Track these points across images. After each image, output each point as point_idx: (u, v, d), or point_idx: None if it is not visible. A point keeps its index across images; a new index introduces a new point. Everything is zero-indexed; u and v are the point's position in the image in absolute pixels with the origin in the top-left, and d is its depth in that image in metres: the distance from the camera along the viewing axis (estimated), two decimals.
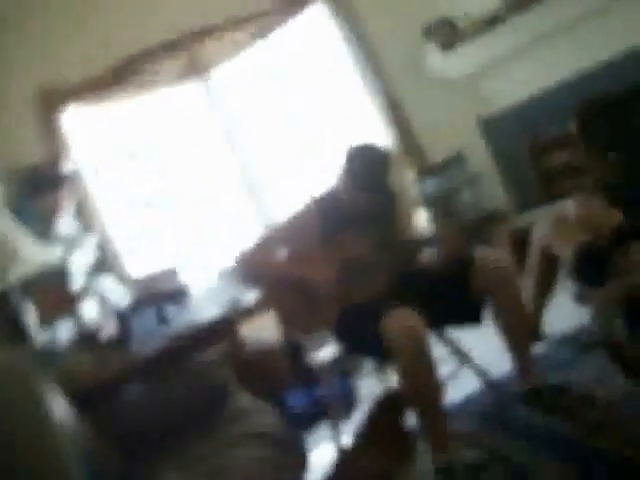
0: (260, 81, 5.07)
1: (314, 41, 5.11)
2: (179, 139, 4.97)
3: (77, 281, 4.01)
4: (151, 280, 4.25)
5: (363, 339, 2.74)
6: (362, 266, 2.85)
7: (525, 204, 4.68)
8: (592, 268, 3.12)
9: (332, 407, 3.28)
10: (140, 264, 4.63)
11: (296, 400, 3.62)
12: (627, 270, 2.82)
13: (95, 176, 4.74)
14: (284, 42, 5.05)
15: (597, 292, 2.89)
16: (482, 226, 4.29)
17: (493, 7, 4.62)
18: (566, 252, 3.20)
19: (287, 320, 3.03)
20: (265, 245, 2.97)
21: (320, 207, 2.96)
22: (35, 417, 1.51)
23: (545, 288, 3.36)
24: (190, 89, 4.98)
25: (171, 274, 4.22)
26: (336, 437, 3.15)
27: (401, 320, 2.50)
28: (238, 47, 4.96)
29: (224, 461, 2.11)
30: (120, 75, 4.73)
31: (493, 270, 2.76)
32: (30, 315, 3.62)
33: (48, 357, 3.54)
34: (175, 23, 4.76)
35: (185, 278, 4.27)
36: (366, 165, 2.91)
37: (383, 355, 2.65)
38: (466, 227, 4.46)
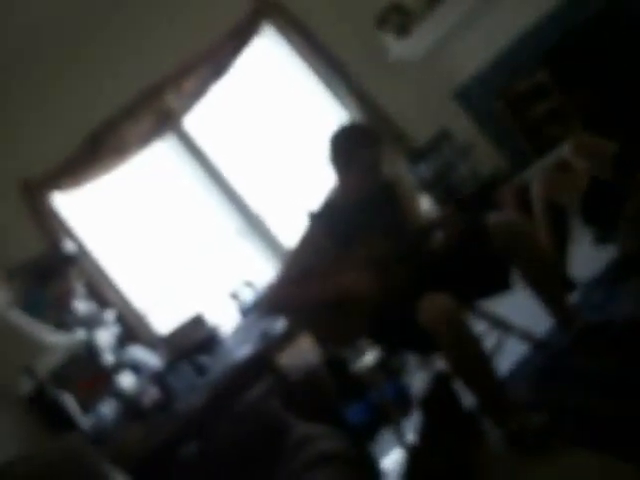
0: (232, 114, 5.06)
1: (273, 62, 5.11)
2: (168, 191, 4.96)
3: (107, 357, 3.99)
4: (179, 333, 4.22)
5: (401, 335, 2.71)
6: (383, 263, 2.82)
7: (520, 161, 4.66)
8: (601, 208, 3.11)
9: (389, 411, 3.26)
10: (166, 320, 4.60)
11: (353, 414, 3.58)
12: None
13: (99, 250, 4.73)
14: (245, 71, 5.04)
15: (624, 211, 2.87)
16: (485, 193, 4.28)
17: None
18: (570, 200, 3.19)
19: (323, 338, 3.01)
20: (288, 274, 2.93)
21: (323, 220, 2.94)
22: None
23: (560, 238, 3.34)
24: (165, 142, 4.97)
25: (197, 323, 4.19)
26: (401, 438, 3.11)
27: (434, 305, 2.48)
28: (200, 88, 4.95)
29: None
30: (94, 148, 4.73)
31: (507, 232, 2.74)
32: (70, 402, 3.60)
33: (99, 437, 3.53)
34: (134, 83, 4.77)
35: (212, 322, 4.25)
36: (349, 140, 2.91)
37: (425, 345, 2.62)
38: (468, 199, 4.46)
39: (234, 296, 4.47)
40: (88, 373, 3.85)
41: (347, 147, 2.90)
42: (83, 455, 1.56)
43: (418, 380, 3.38)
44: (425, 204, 4.45)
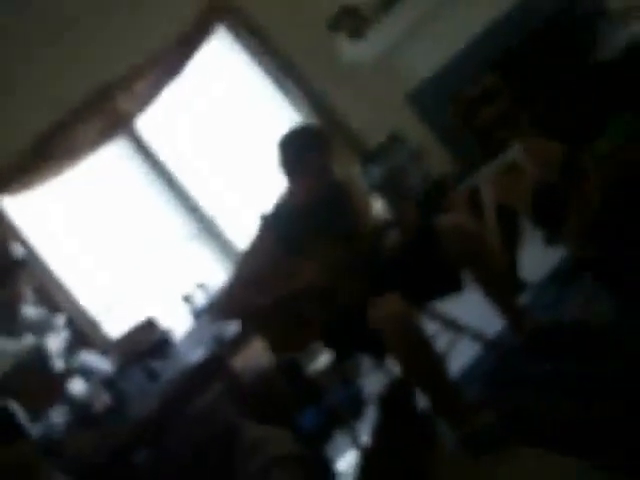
0: (185, 117, 5.03)
1: (226, 64, 5.09)
2: (121, 194, 4.91)
3: (57, 363, 3.93)
4: (131, 337, 4.18)
5: (353, 338, 2.72)
6: (335, 267, 2.82)
7: (472, 165, 4.70)
8: (550, 210, 3.16)
9: (343, 413, 3.26)
10: (118, 325, 4.55)
11: (306, 417, 3.59)
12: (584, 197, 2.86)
13: (49, 254, 4.65)
14: (198, 73, 5.02)
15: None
16: (435, 195, 4.32)
17: None
18: (519, 202, 3.24)
19: (277, 342, 3.00)
20: (239, 277, 2.92)
21: (273, 224, 2.93)
22: None
23: (510, 239, 3.39)
24: (117, 144, 4.92)
25: (148, 326, 4.16)
26: (355, 440, 3.12)
27: (385, 307, 2.48)
28: (151, 94, 4.91)
29: None
30: (44, 151, 4.66)
31: (458, 234, 2.76)
32: (18, 411, 3.53)
33: (51, 446, 3.47)
34: (84, 85, 4.70)
35: (164, 325, 4.22)
36: (298, 143, 2.91)
37: (376, 348, 2.63)
38: (420, 201, 4.49)
39: (187, 299, 4.44)
40: (37, 380, 3.79)
41: (296, 150, 2.90)
42: (32, 464, 1.53)
43: (372, 382, 3.38)
44: (376, 206, 4.47)
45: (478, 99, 4.52)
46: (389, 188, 4.65)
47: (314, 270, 2.77)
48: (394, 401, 2.90)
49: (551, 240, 3.41)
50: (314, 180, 2.90)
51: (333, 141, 3.03)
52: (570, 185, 3.04)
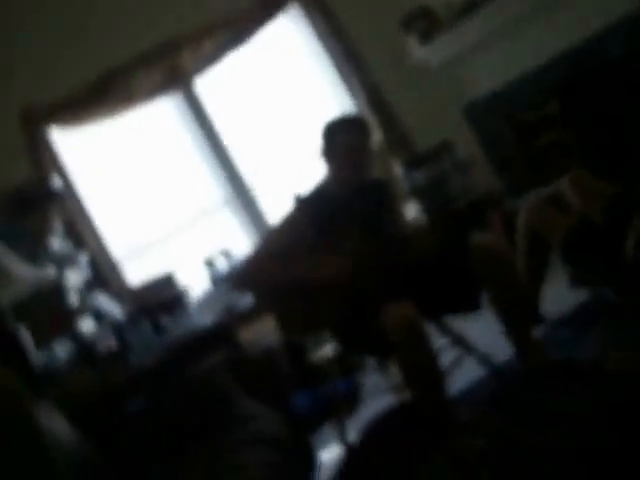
0: (242, 85, 5.05)
1: (293, 42, 5.10)
2: (166, 149, 4.95)
3: (72, 299, 3.98)
4: (147, 290, 4.23)
5: (363, 336, 2.72)
6: (362, 264, 2.82)
7: (516, 187, 4.67)
8: (584, 250, 3.12)
9: (337, 406, 3.27)
10: (139, 273, 4.60)
11: (300, 401, 3.60)
12: None
13: (85, 191, 4.70)
14: (263, 45, 5.03)
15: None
16: (475, 211, 4.29)
17: None
18: (554, 236, 3.20)
19: (287, 323, 3.01)
20: (265, 252, 2.93)
21: (309, 206, 2.94)
22: (25, 433, 1.49)
23: (537, 271, 3.35)
24: (172, 99, 4.96)
25: (167, 282, 4.20)
26: (343, 435, 3.13)
27: (398, 313, 2.49)
28: (215, 55, 4.93)
29: (231, 466, 2.09)
30: (101, 90, 4.70)
31: (488, 255, 2.75)
32: (26, 336, 3.60)
33: (49, 376, 3.52)
34: (153, 34, 4.74)
35: (182, 284, 4.25)
36: (336, 126, 2.91)
37: (383, 350, 2.63)
38: (459, 214, 4.47)
39: (209, 263, 4.48)
40: (50, 311, 3.84)
41: (339, 139, 2.90)
42: (16, 393, 1.55)
43: (372, 382, 3.38)
44: (412, 211, 4.45)
45: (538, 123, 4.47)
46: (429, 195, 4.63)
47: (341, 266, 2.77)
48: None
49: (576, 281, 3.38)
50: (352, 172, 2.90)
51: (371, 130, 3.00)
52: (613, 228, 2.99)
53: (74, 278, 4.13)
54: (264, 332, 3.47)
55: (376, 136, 4.71)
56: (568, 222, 3.18)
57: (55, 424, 2.28)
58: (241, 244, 4.77)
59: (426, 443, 2.63)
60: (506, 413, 2.72)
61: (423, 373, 2.50)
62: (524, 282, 3.21)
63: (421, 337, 2.48)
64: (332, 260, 2.77)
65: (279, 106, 5.08)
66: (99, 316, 4.05)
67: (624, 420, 2.21)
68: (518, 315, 2.86)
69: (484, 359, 3.00)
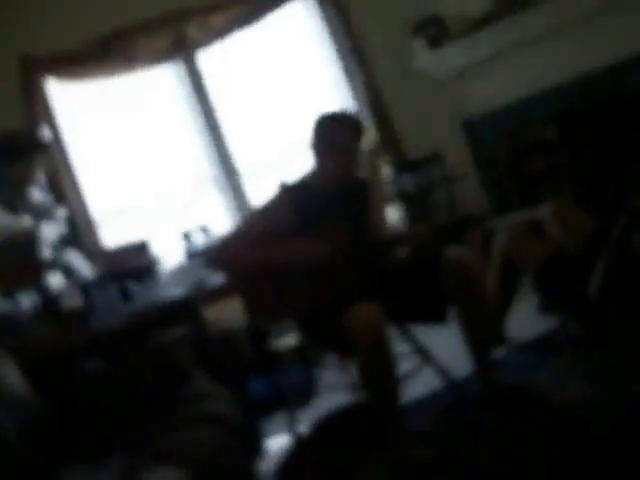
0: (244, 65, 5.04)
1: (301, 30, 5.10)
2: (159, 117, 4.93)
3: (44, 252, 3.96)
4: (119, 254, 4.21)
5: (326, 331, 2.74)
6: (334, 259, 2.83)
7: (501, 206, 4.70)
8: (554, 280, 3.16)
9: (291, 395, 3.29)
10: (114, 236, 4.58)
11: (256, 386, 3.62)
12: None
13: (73, 147, 4.67)
14: (272, 28, 5.02)
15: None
16: (456, 226, 4.31)
17: (484, 9, 4.61)
18: (528, 264, 3.23)
19: (254, 306, 3.02)
20: (243, 233, 2.95)
21: (293, 195, 2.94)
22: None
23: (506, 293, 3.39)
24: (173, 68, 4.94)
25: (141, 249, 4.18)
26: (292, 426, 3.15)
27: (363, 315, 2.51)
28: (222, 31, 4.92)
29: (175, 442, 2.10)
30: (103, 49, 4.67)
31: (459, 270, 2.77)
32: None
33: (9, 326, 3.51)
34: (164, 0, 4.71)
35: (156, 253, 4.24)
36: (330, 122, 2.92)
37: (345, 349, 2.65)
38: (439, 226, 4.49)
39: (186, 236, 4.47)
40: (20, 260, 3.82)
41: (330, 133, 2.91)
42: None
43: (329, 377, 3.40)
44: (394, 214, 4.47)
45: (534, 146, 4.50)
46: (414, 202, 4.65)
47: (318, 245, 2.77)
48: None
49: (544, 308, 3.41)
50: (339, 169, 2.91)
51: (363, 130, 3.00)
52: (588, 262, 3.02)
53: (49, 232, 4.10)
54: (230, 312, 3.47)
55: (371, 135, 4.74)
56: (544, 252, 3.21)
57: (6, 371, 2.28)
58: (221, 222, 4.76)
59: (372, 446, 2.66)
60: (451, 428, 2.76)
61: (379, 376, 2.52)
62: (492, 302, 3.25)
63: (382, 341, 2.50)
64: (306, 241, 2.77)
65: (278, 92, 5.07)
66: (69, 273, 4.03)
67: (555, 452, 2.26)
68: (480, 333, 2.89)
69: (442, 372, 3.03)
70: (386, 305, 2.60)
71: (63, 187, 4.48)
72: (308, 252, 2.75)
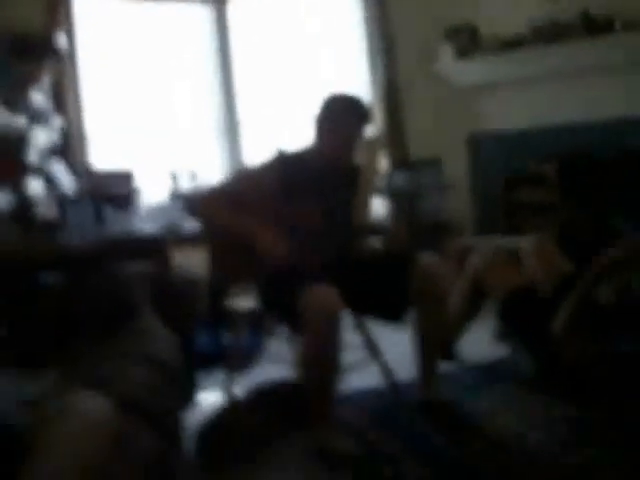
0: (273, 25, 5.03)
1: (334, 7, 5.11)
2: (177, 54, 4.91)
3: (32, 156, 3.94)
4: (104, 178, 4.20)
5: (283, 303, 2.74)
6: (308, 234, 2.83)
7: (484, 227, 4.72)
8: (520, 312, 3.17)
9: (234, 356, 3.30)
10: (103, 160, 4.56)
11: (203, 339, 3.63)
12: None
13: (84, 61, 4.63)
14: None
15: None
16: (436, 233, 4.33)
17: (518, 31, 4.60)
18: (495, 290, 3.25)
19: (219, 262, 3.02)
20: (226, 191, 2.95)
21: (284, 166, 2.94)
22: None
23: (467, 312, 3.41)
24: (202, 10, 4.91)
25: (125, 178, 4.17)
26: (229, 386, 3.17)
27: (320, 296, 2.51)
28: None
29: (108, 372, 2.10)
30: None
31: (425, 276, 2.78)
32: None
33: None
34: None
35: (139, 186, 4.24)
36: (343, 106, 2.91)
37: (295, 324, 2.66)
38: (421, 229, 4.51)
39: (173, 177, 4.46)
40: (5, 157, 3.80)
41: (336, 114, 2.90)
42: None
43: (276, 347, 3.41)
44: (379, 207, 4.49)
45: (530, 179, 4.51)
46: (401, 200, 4.66)
47: (280, 245, 2.75)
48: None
49: (501, 337, 3.43)
50: (337, 152, 2.91)
51: (370, 120, 3.01)
52: (554, 301, 3.03)
53: (41, 138, 4.08)
54: (197, 261, 3.46)
55: (377, 125, 4.74)
56: (516, 281, 3.22)
57: None
58: (211, 173, 4.76)
59: (298, 426, 2.69)
60: (380, 428, 2.79)
61: (320, 361, 2.52)
62: (451, 315, 3.27)
63: (332, 328, 2.50)
64: (275, 235, 2.76)
65: (298, 61, 5.08)
66: (50, 182, 4.01)
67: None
68: (431, 339, 2.90)
69: (387, 371, 3.05)
70: (347, 290, 2.61)
71: (65, 98, 4.45)
72: (260, 244, 2.74)
